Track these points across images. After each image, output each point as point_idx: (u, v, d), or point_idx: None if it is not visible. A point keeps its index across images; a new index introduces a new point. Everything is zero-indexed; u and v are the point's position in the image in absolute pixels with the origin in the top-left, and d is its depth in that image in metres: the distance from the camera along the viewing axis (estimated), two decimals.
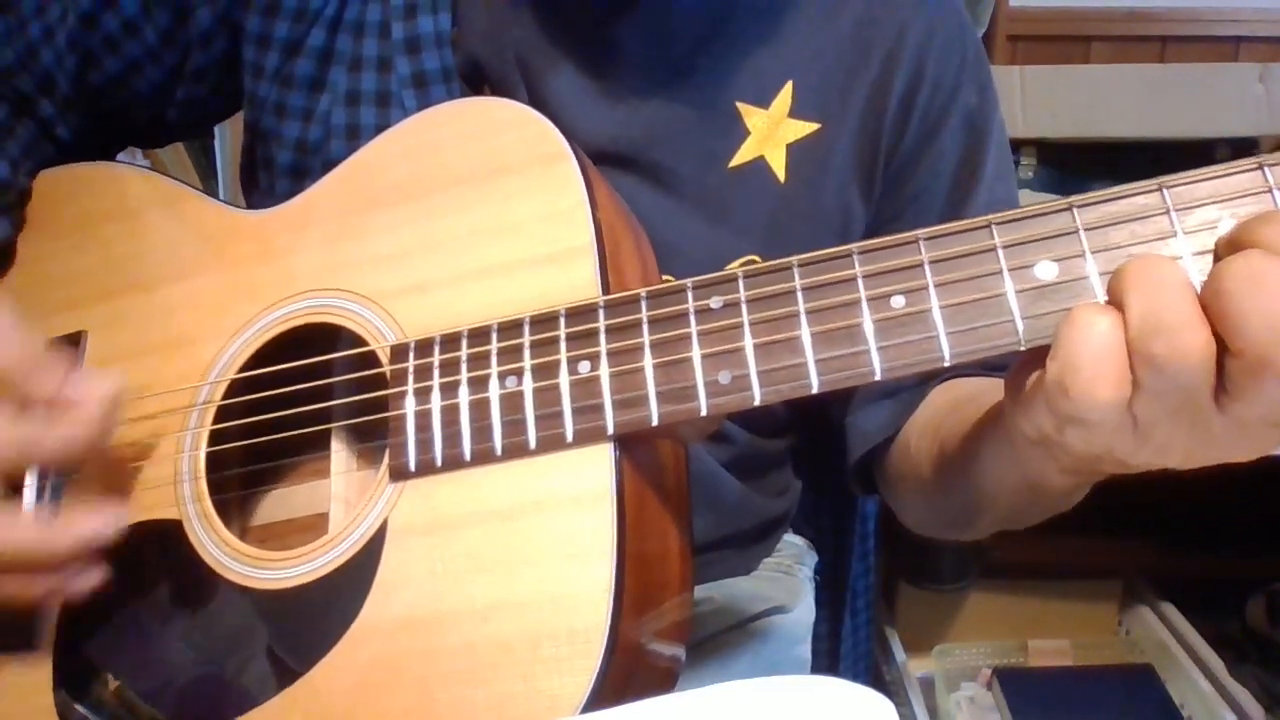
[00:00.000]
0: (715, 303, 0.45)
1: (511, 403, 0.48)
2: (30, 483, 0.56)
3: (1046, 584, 1.65)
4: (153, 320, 0.60)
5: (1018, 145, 1.50)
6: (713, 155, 0.63)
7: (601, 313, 0.47)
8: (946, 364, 0.41)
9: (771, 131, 0.63)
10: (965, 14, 0.67)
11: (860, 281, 0.42)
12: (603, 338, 0.47)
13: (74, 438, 0.48)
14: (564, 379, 0.47)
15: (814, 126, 0.63)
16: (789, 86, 0.63)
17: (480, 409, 0.48)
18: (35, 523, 0.50)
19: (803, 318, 0.43)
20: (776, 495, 0.79)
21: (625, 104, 0.63)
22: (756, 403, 0.43)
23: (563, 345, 0.47)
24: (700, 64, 0.63)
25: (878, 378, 0.42)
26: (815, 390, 0.43)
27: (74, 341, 0.61)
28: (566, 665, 0.44)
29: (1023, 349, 0.40)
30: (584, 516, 0.46)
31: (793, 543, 0.87)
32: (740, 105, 0.63)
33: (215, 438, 0.56)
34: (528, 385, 0.48)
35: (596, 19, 0.63)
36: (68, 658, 0.55)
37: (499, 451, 0.48)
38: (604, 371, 0.46)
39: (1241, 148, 1.59)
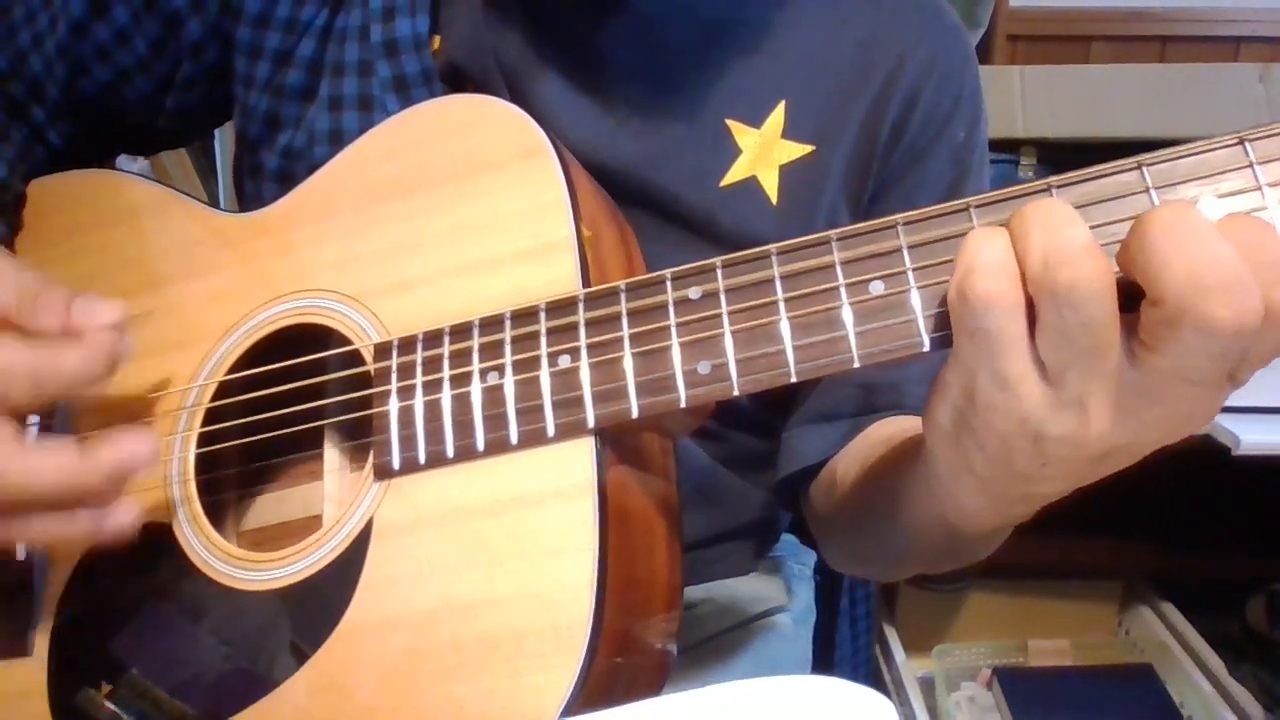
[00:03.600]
0: (694, 293, 0.45)
1: (493, 398, 0.48)
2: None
3: (1046, 584, 1.65)
4: (142, 326, 0.60)
5: (1018, 145, 1.51)
6: (703, 172, 0.63)
7: (581, 306, 0.47)
8: (925, 349, 0.40)
9: (765, 152, 0.62)
10: (969, 46, 0.67)
11: (838, 268, 0.42)
12: (582, 331, 0.47)
13: (87, 365, 0.47)
14: (544, 373, 0.47)
15: (808, 149, 0.63)
16: (781, 106, 0.62)
17: (462, 405, 0.48)
18: (65, 454, 0.47)
19: (781, 305, 0.43)
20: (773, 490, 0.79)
21: (613, 115, 0.63)
22: (736, 392, 0.43)
23: (543, 339, 0.47)
24: (689, 78, 0.63)
25: (856, 365, 0.41)
26: (794, 378, 0.42)
27: None
28: (551, 661, 0.44)
29: None
30: (566, 511, 0.46)
31: (792, 542, 0.87)
32: (730, 122, 0.62)
33: (206, 440, 0.56)
34: (509, 380, 0.47)
35: (582, 27, 0.63)
36: (62, 662, 0.55)
37: (481, 447, 0.48)
38: (584, 364, 0.46)
39: None
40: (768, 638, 0.80)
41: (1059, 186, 0.39)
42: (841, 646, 0.91)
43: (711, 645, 0.77)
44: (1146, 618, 1.60)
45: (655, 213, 0.63)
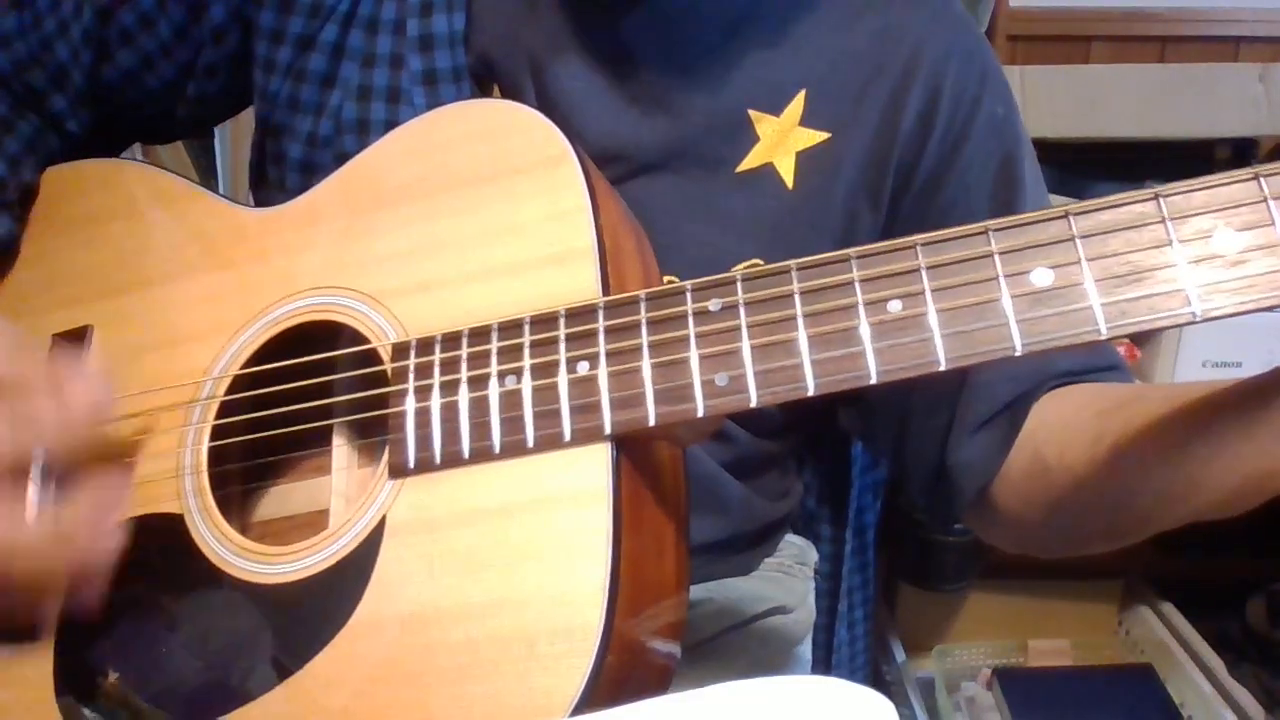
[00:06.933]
0: (714, 305, 0.45)
1: (510, 401, 0.48)
2: (35, 475, 0.56)
3: (1046, 584, 1.65)
4: (158, 316, 0.60)
5: None
6: (721, 160, 0.63)
7: (601, 314, 0.48)
8: (941, 368, 0.41)
9: (781, 139, 0.63)
10: (980, 31, 0.67)
11: (857, 286, 0.43)
12: (601, 338, 0.47)
13: (71, 420, 0.48)
14: (562, 378, 0.47)
15: (824, 136, 0.63)
16: (801, 95, 0.63)
17: (479, 407, 0.49)
18: (41, 536, 0.48)
19: (800, 320, 0.43)
20: (777, 498, 0.79)
21: (637, 106, 0.64)
22: (753, 404, 0.44)
23: (562, 345, 0.48)
24: (714, 70, 0.63)
25: (873, 380, 0.42)
26: (811, 392, 0.43)
27: (79, 336, 0.62)
28: (562, 663, 0.45)
29: (1018, 354, 0.40)
30: (580, 515, 0.46)
31: (794, 543, 0.87)
32: (752, 112, 0.63)
33: (218, 433, 0.56)
34: (526, 384, 0.48)
35: (608, 20, 0.63)
36: (69, 650, 0.56)
37: (497, 450, 0.48)
38: (602, 371, 0.47)
39: (1241, 147, 1.59)
40: (769, 638, 0.80)
41: (1076, 214, 0.40)
42: (840, 649, 0.91)
43: (712, 645, 0.77)
44: (1146, 618, 1.60)
45: (673, 199, 0.63)
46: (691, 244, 0.63)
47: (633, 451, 0.48)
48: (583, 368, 0.47)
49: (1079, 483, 0.55)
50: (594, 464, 0.46)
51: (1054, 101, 1.49)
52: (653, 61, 0.63)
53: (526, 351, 0.48)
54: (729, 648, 0.78)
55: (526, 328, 0.49)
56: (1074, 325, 0.40)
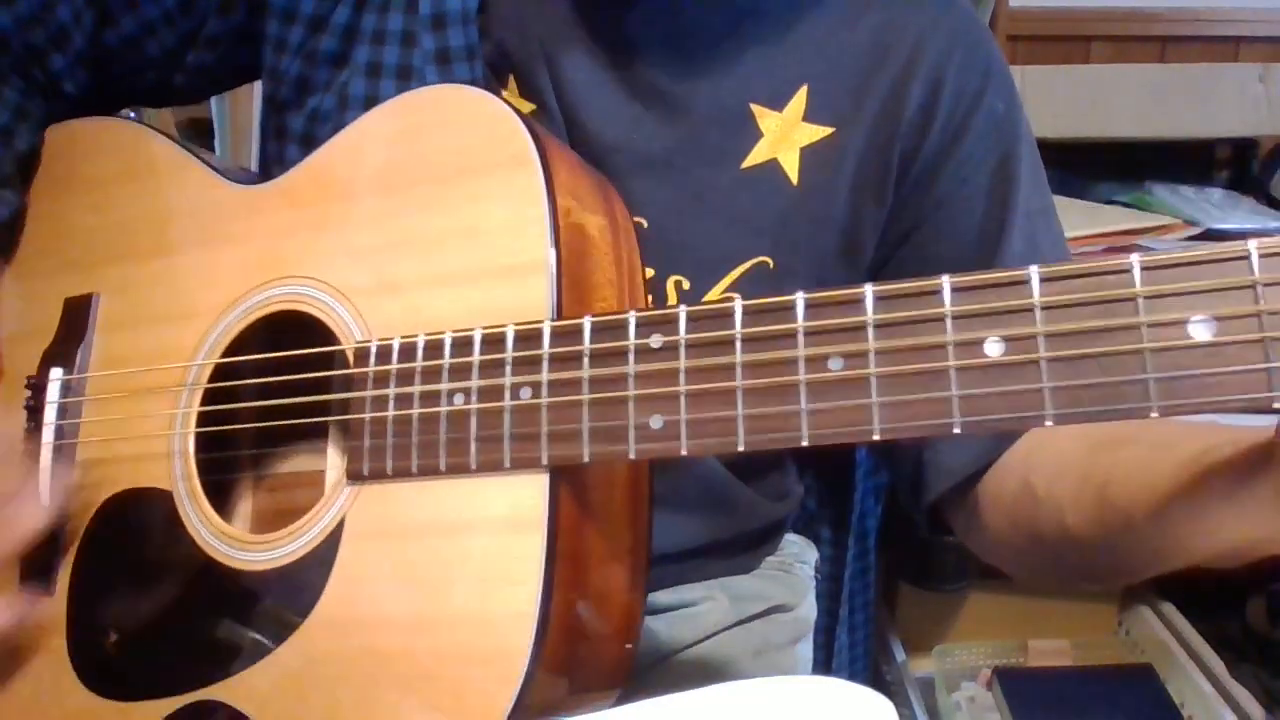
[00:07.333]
0: (655, 341, 0.45)
1: (456, 421, 0.49)
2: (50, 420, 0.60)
3: None
4: (157, 290, 0.62)
5: None
6: (725, 155, 0.64)
7: (546, 339, 0.47)
8: (875, 439, 0.39)
9: (785, 134, 0.63)
10: (984, 25, 0.67)
11: (800, 337, 0.41)
12: (545, 366, 0.47)
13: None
14: (506, 404, 0.48)
15: (828, 131, 0.63)
16: (804, 90, 0.63)
17: (429, 424, 0.49)
18: None
19: (739, 369, 0.42)
20: (778, 499, 0.79)
21: (640, 100, 0.64)
22: (683, 453, 0.43)
23: (508, 368, 0.48)
24: (715, 64, 0.64)
25: (804, 444, 0.40)
26: (741, 449, 0.42)
27: (85, 303, 0.63)
28: (491, 687, 0.46)
29: (956, 432, 0.38)
30: (516, 542, 0.47)
31: (794, 541, 0.87)
32: (754, 107, 0.63)
33: (205, 419, 0.58)
34: (473, 405, 0.48)
35: (613, 10, 0.64)
36: (79, 606, 0.59)
37: (443, 468, 0.49)
38: (544, 401, 0.47)
39: (1241, 147, 1.59)
40: (769, 637, 0.80)
41: (1045, 279, 0.37)
42: (840, 651, 0.91)
43: (712, 644, 0.77)
44: (1146, 618, 1.60)
45: (678, 193, 0.64)
46: (697, 243, 0.63)
47: (577, 472, 0.48)
48: (525, 394, 0.47)
49: (1064, 526, 0.54)
50: (533, 491, 0.47)
51: (1054, 101, 1.49)
52: (656, 55, 0.64)
53: (475, 371, 0.49)
54: (729, 646, 0.78)
55: (477, 345, 0.49)
56: (1020, 408, 0.37)
